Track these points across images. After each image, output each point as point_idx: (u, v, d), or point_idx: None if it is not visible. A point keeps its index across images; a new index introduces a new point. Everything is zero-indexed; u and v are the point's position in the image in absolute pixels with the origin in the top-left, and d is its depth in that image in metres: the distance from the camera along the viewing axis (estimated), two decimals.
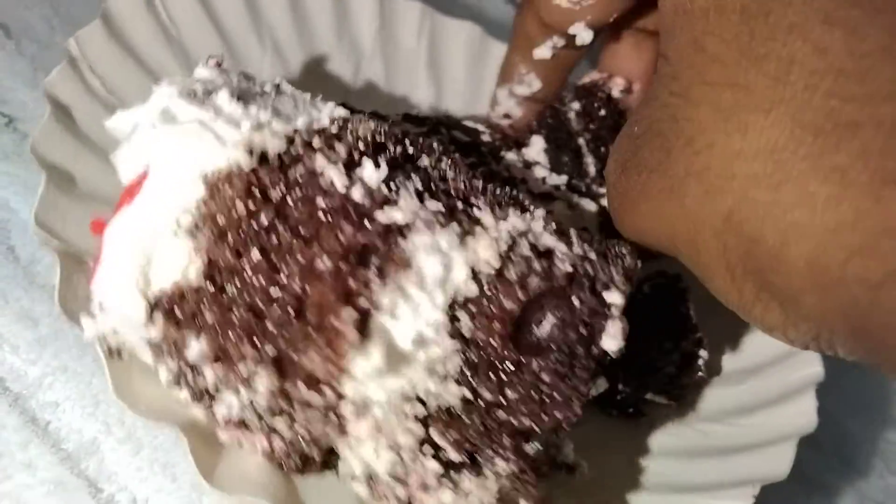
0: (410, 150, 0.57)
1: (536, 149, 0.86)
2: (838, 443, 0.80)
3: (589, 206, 0.85)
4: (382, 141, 0.55)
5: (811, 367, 0.71)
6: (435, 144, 0.62)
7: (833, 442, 0.79)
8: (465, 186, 0.57)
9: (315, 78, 0.87)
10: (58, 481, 0.53)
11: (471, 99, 0.96)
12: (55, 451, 0.55)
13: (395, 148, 0.55)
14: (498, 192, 0.58)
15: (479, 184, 0.59)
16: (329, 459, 0.55)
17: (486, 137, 0.85)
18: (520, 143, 0.85)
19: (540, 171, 0.85)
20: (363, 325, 0.44)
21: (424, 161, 0.57)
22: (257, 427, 0.51)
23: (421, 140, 0.60)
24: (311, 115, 0.55)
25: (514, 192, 0.60)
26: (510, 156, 0.84)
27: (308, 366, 0.44)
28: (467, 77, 0.97)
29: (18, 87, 0.76)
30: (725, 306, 0.78)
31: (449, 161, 0.58)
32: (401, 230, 0.46)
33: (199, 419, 0.53)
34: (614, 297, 0.47)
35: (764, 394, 0.70)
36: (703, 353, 0.71)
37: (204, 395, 0.51)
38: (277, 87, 0.58)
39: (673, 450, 0.69)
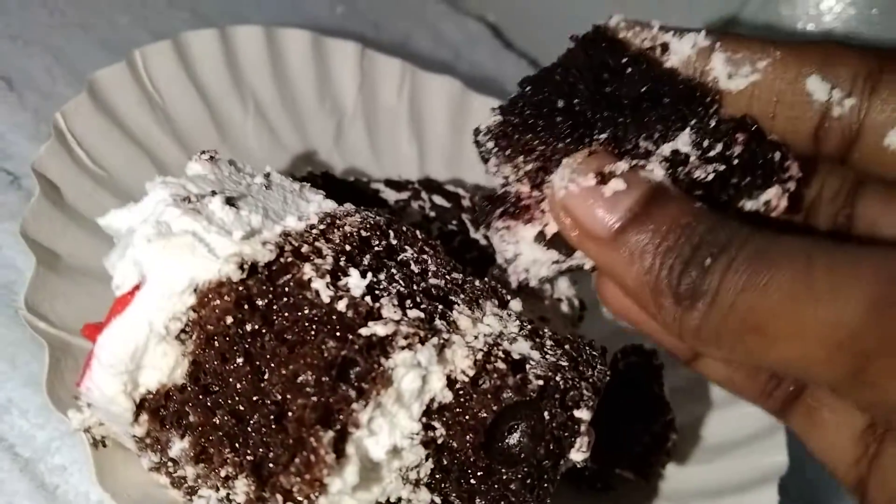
0: (394, 241, 0.59)
1: None
2: (803, 488, 0.82)
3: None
4: (367, 236, 0.57)
5: (777, 455, 0.74)
6: (418, 234, 0.64)
7: (797, 487, 0.81)
8: (446, 282, 0.59)
9: (299, 138, 0.89)
10: None
11: (453, 153, 0.98)
12: None
13: (379, 242, 0.58)
14: (477, 283, 0.61)
15: (459, 277, 0.61)
16: None
17: (465, 202, 0.87)
18: None
19: None
20: (341, 443, 0.47)
21: (408, 253, 0.59)
22: None
23: (404, 229, 0.62)
24: (300, 208, 0.57)
25: (493, 284, 0.62)
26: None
27: (286, 485, 0.47)
28: (449, 131, 0.99)
29: (21, 142, 0.78)
30: (693, 386, 0.82)
31: (431, 252, 0.61)
32: (383, 346, 0.49)
33: (178, 502, 0.55)
34: (583, 414, 0.50)
35: (729, 478, 0.73)
36: (674, 436, 0.73)
37: (182, 486, 0.54)
38: (267, 177, 0.60)
39: None
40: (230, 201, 0.53)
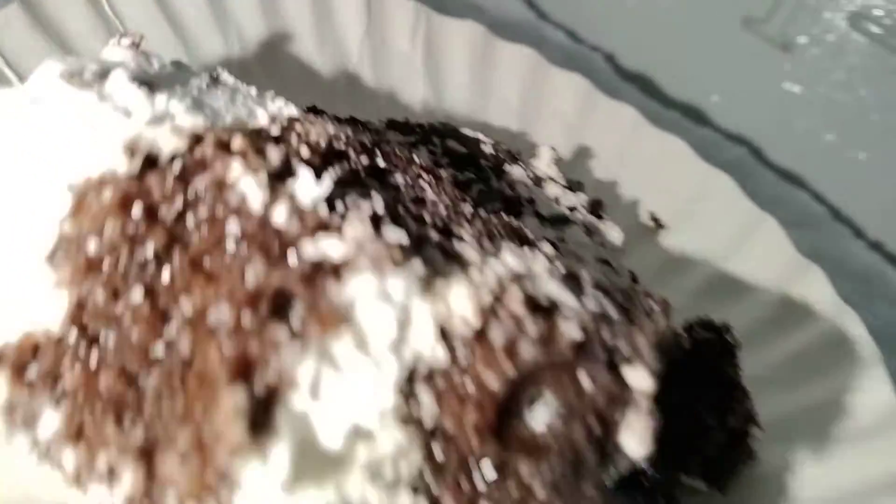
0: (382, 163, 0.43)
1: (547, 160, 0.72)
2: None
3: (613, 232, 0.70)
4: (342, 150, 0.41)
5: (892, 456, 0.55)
6: (415, 157, 0.48)
7: None
8: (447, 211, 0.42)
9: (290, 83, 0.74)
10: None
11: (474, 108, 0.83)
12: None
13: (359, 158, 0.41)
14: (492, 219, 0.44)
15: (468, 208, 0.45)
16: None
17: (487, 149, 0.71)
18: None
19: (552, 189, 0.70)
20: (265, 410, 0.30)
21: (398, 179, 0.43)
22: None
23: (398, 151, 0.46)
24: (252, 112, 0.41)
25: (513, 221, 0.45)
26: (516, 170, 0.70)
27: (171, 478, 0.30)
28: (471, 81, 0.83)
29: None
30: (777, 374, 0.64)
31: (431, 178, 0.44)
32: (336, 271, 0.32)
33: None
34: (640, 379, 0.32)
35: (835, 485, 0.55)
36: (756, 432, 0.55)
37: (77, 483, 0.37)
38: (215, 79, 0.45)
39: None
40: (145, 84, 0.37)
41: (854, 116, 1.05)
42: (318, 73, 0.78)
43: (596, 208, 0.70)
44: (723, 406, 0.56)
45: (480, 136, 0.71)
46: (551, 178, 0.70)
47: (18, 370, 0.35)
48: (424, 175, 0.44)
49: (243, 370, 0.30)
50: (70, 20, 0.62)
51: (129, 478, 0.32)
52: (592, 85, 0.84)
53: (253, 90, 0.45)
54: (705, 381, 0.57)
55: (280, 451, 0.30)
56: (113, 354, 0.33)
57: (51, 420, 0.34)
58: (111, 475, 0.33)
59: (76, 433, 0.34)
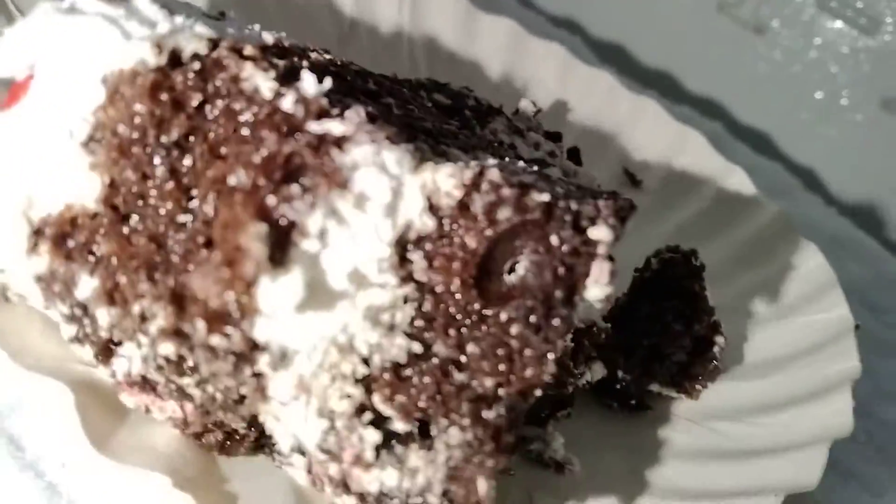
0: (373, 87, 0.49)
1: (528, 112, 0.78)
2: (871, 431, 0.70)
3: (589, 175, 0.76)
4: (337, 71, 0.46)
5: (847, 361, 0.61)
6: (405, 90, 0.54)
7: (866, 430, 0.68)
8: (433, 127, 0.48)
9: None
10: None
11: (457, 73, 0.88)
12: None
13: (353, 80, 0.47)
14: (471, 138, 0.50)
15: (454, 126, 0.51)
16: (262, 440, 0.46)
17: (470, 102, 0.77)
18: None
19: (533, 136, 0.77)
20: (281, 248, 0.35)
21: (389, 100, 0.49)
22: (164, 389, 0.42)
23: (387, 78, 0.51)
24: (260, 36, 0.47)
25: (495, 139, 0.51)
26: (498, 121, 0.76)
27: (199, 293, 0.35)
28: (454, 51, 0.89)
29: None
30: (738, 301, 0.70)
31: (419, 103, 0.50)
32: (338, 143, 0.37)
33: (103, 383, 0.44)
34: (601, 233, 0.38)
35: (791, 390, 0.60)
36: (720, 340, 0.61)
37: (104, 351, 0.43)
38: (222, 14, 0.51)
39: (682, 450, 0.59)
40: (162, 5, 0.43)
41: (825, 94, 1.11)
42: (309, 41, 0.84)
43: (573, 155, 0.76)
44: (689, 316, 0.61)
45: (466, 91, 0.77)
46: (530, 129, 0.76)
47: (58, 241, 0.40)
48: (416, 97, 0.49)
49: (263, 214, 0.36)
50: None
51: (161, 317, 0.37)
52: (570, 53, 0.90)
53: (258, 26, 0.51)
54: (673, 296, 0.62)
55: (295, 277, 0.35)
56: (143, 225, 0.39)
57: (87, 284, 0.40)
58: (143, 320, 0.39)
59: (111, 291, 0.39)
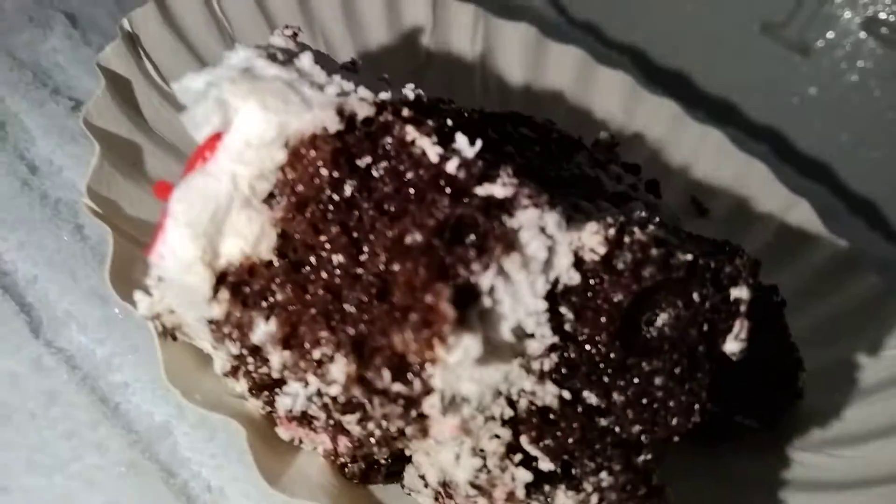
0: (494, 136, 0.53)
1: (608, 142, 0.82)
2: None
3: (669, 208, 0.80)
4: (469, 120, 0.51)
5: None
6: (516, 135, 0.58)
7: None
8: (557, 175, 0.52)
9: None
10: (131, 463, 0.50)
11: (530, 102, 0.93)
12: (126, 434, 0.51)
13: (483, 130, 0.51)
14: (587, 187, 0.54)
15: (568, 174, 0.55)
16: (394, 469, 0.51)
17: (554, 135, 0.81)
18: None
19: (614, 170, 0.81)
20: (462, 304, 0.40)
21: (510, 149, 0.53)
22: (322, 424, 0.46)
23: (507, 128, 0.56)
24: (393, 91, 0.51)
25: (603, 188, 0.55)
26: (582, 154, 0.80)
27: (399, 347, 0.40)
28: (525, 80, 0.93)
29: (83, 76, 0.76)
30: (819, 333, 0.74)
31: (537, 149, 0.54)
32: (503, 206, 0.42)
33: (255, 415, 0.49)
34: (742, 292, 0.42)
35: (870, 423, 0.65)
36: (802, 375, 0.65)
37: (264, 387, 0.47)
38: (353, 64, 0.55)
39: (764, 481, 0.63)
40: (320, 64, 0.47)
41: (868, 116, 1.14)
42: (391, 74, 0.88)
43: (652, 188, 0.80)
44: (773, 353, 0.66)
45: (547, 124, 0.81)
46: (611, 161, 0.80)
47: (237, 287, 0.44)
48: (530, 147, 0.53)
49: (444, 274, 0.40)
50: (188, 17, 0.72)
51: (342, 367, 0.41)
52: (635, 82, 0.94)
53: (386, 76, 0.55)
54: (758, 333, 0.66)
55: (476, 334, 0.40)
56: (315, 275, 0.43)
57: (263, 329, 0.44)
58: (321, 369, 0.43)
59: (287, 337, 0.43)
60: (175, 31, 0.70)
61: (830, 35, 1.14)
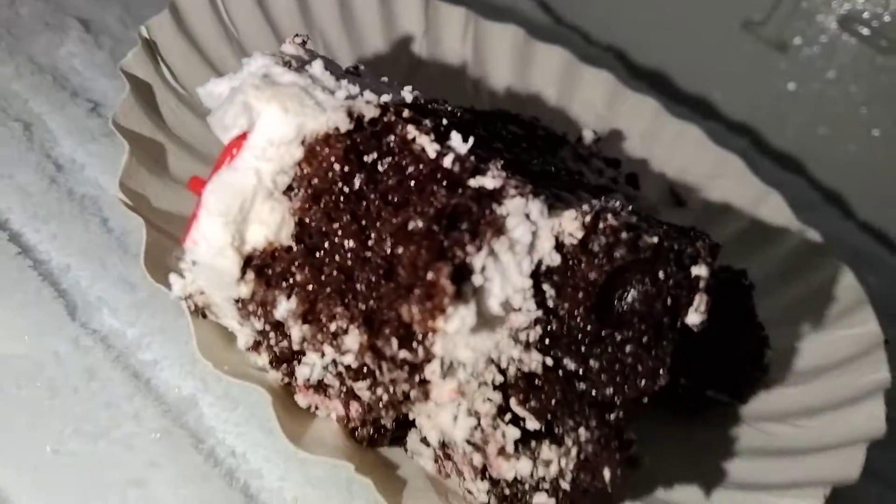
0: (483, 133, 0.60)
1: (589, 140, 0.89)
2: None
3: (647, 199, 0.87)
4: (460, 119, 0.57)
5: (878, 372, 0.72)
6: (504, 133, 0.65)
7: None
8: (541, 168, 0.59)
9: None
10: (164, 430, 0.56)
11: (517, 100, 0.99)
12: (158, 405, 0.58)
13: (473, 128, 0.58)
14: (569, 180, 0.61)
15: (551, 168, 0.62)
16: (398, 434, 0.57)
17: (540, 132, 0.88)
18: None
19: (596, 164, 0.88)
20: (458, 281, 0.47)
21: (498, 145, 0.60)
22: (335, 392, 0.53)
23: (492, 127, 0.62)
24: (393, 93, 0.58)
25: (585, 180, 0.62)
26: (565, 149, 0.87)
27: (406, 317, 0.46)
28: (513, 79, 1.00)
29: (100, 78, 0.82)
30: (785, 314, 0.81)
31: (524, 145, 0.61)
32: (493, 196, 0.49)
33: (275, 385, 0.55)
34: (701, 270, 0.50)
35: (829, 396, 0.71)
36: (768, 352, 0.72)
37: (284, 359, 0.54)
38: (356, 68, 0.61)
39: (734, 449, 0.70)
40: (329, 70, 0.54)
41: (845, 111, 1.19)
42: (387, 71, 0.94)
43: (632, 181, 0.87)
44: (742, 331, 0.73)
45: (533, 121, 0.87)
46: (593, 156, 0.87)
47: (261, 270, 0.51)
48: (520, 143, 0.60)
49: (442, 255, 0.47)
50: (199, 24, 0.78)
51: (355, 339, 0.48)
52: (617, 80, 1.01)
53: (385, 78, 0.62)
54: (727, 312, 0.73)
55: (471, 307, 0.47)
56: (329, 258, 0.50)
57: (285, 306, 0.51)
58: (335, 336, 0.50)
59: (306, 313, 0.50)
60: (188, 38, 0.76)
61: (808, 32, 1.19)
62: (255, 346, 0.54)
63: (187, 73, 0.74)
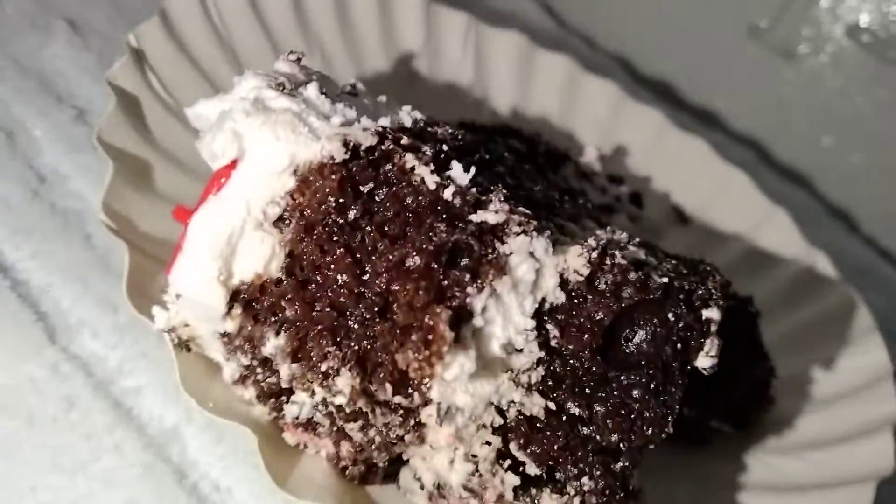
0: (486, 156, 0.58)
1: (592, 157, 0.87)
2: None
3: (651, 220, 0.85)
4: (462, 144, 0.55)
5: (888, 403, 0.71)
6: (506, 154, 0.63)
7: None
8: (544, 196, 0.57)
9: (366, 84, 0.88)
10: (146, 465, 0.54)
11: (519, 110, 0.97)
12: (140, 436, 0.56)
13: (474, 153, 0.56)
14: (575, 202, 0.59)
15: (555, 195, 0.60)
16: (391, 471, 0.55)
17: (542, 147, 0.86)
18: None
19: (599, 181, 0.86)
20: (457, 326, 0.45)
21: (502, 168, 0.58)
22: (326, 431, 0.51)
23: (492, 147, 0.60)
24: (391, 115, 0.56)
25: (588, 205, 0.60)
26: (568, 166, 0.85)
27: (401, 363, 0.44)
28: (514, 88, 0.98)
29: (85, 82, 0.79)
30: (791, 340, 0.79)
31: (528, 167, 0.59)
32: (495, 232, 0.47)
33: (261, 420, 0.53)
34: (712, 314, 0.48)
35: (837, 429, 0.70)
36: (775, 382, 0.70)
37: (272, 395, 0.52)
38: (354, 87, 0.59)
39: (739, 482, 0.68)
40: (324, 93, 0.52)
41: (850, 121, 1.17)
42: (386, 79, 0.92)
43: (635, 200, 0.85)
44: (747, 362, 0.71)
45: (535, 137, 0.85)
46: (596, 173, 0.85)
47: (249, 304, 0.49)
48: (519, 166, 0.58)
49: (441, 296, 0.45)
50: (190, 31, 0.75)
51: (346, 381, 0.46)
52: (622, 91, 0.99)
53: (384, 98, 0.59)
54: (733, 342, 0.72)
55: (471, 353, 0.44)
56: (321, 292, 0.48)
57: (273, 343, 0.48)
58: (327, 380, 0.47)
59: (296, 351, 0.48)
60: (178, 45, 0.74)
61: (815, 41, 1.17)
62: (242, 380, 0.52)
63: (177, 82, 0.72)
